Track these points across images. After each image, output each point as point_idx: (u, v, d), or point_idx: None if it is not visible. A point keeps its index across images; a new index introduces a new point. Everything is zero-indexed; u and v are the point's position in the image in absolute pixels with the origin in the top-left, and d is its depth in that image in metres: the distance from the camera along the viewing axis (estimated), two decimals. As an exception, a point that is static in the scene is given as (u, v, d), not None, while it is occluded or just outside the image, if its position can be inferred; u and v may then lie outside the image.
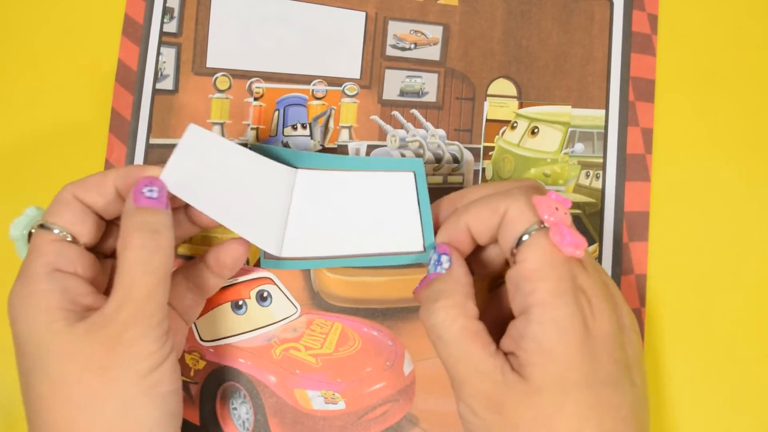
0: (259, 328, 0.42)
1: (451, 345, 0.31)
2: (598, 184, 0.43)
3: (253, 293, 0.42)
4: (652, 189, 0.43)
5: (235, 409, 0.41)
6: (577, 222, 0.43)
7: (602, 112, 0.44)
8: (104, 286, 0.36)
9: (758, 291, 0.42)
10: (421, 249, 0.37)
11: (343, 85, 0.44)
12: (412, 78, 0.45)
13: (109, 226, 0.36)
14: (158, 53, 0.45)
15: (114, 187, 0.34)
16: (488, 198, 0.33)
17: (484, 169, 0.44)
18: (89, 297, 0.33)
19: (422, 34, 0.45)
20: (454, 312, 0.31)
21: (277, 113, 0.44)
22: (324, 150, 0.44)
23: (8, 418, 0.42)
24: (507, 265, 0.34)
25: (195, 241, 0.43)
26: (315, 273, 0.43)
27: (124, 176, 0.34)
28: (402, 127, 0.44)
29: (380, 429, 0.40)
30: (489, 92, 0.44)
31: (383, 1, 0.45)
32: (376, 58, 0.45)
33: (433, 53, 0.45)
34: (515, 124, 0.44)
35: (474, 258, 0.36)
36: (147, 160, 0.44)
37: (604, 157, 0.43)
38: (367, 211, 0.38)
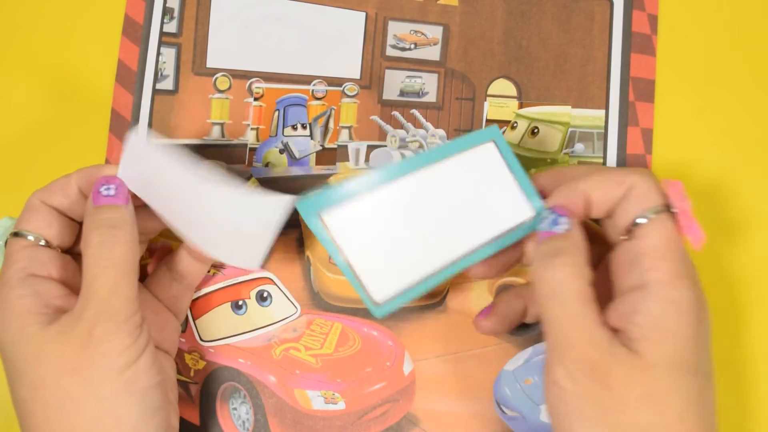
0: (259, 328, 0.42)
1: (566, 305, 0.29)
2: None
3: (253, 293, 0.42)
4: (652, 189, 0.43)
5: (235, 409, 0.41)
6: (577, 222, 0.43)
7: (602, 112, 0.44)
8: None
9: (758, 291, 0.42)
10: (531, 214, 0.34)
11: (343, 85, 0.44)
12: (412, 78, 0.45)
13: (81, 227, 0.36)
14: (158, 53, 0.45)
15: (77, 188, 0.35)
16: (612, 170, 0.32)
17: (484, 169, 0.44)
18: (63, 299, 0.33)
19: (422, 34, 0.45)
20: (574, 272, 0.30)
21: (277, 113, 0.44)
22: (324, 150, 0.44)
23: (7, 421, 0.42)
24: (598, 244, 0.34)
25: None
26: (315, 273, 0.43)
27: (85, 176, 0.35)
28: (402, 127, 0.44)
29: (380, 429, 0.40)
30: (489, 92, 0.44)
31: (383, 1, 0.45)
32: (376, 58, 0.45)
33: (433, 53, 0.45)
34: (515, 124, 0.44)
35: None
36: (147, 160, 0.44)
37: (604, 157, 0.43)
38: (462, 200, 0.34)
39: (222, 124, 0.44)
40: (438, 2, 0.45)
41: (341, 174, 0.44)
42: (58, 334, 0.31)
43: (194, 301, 0.41)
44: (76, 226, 0.36)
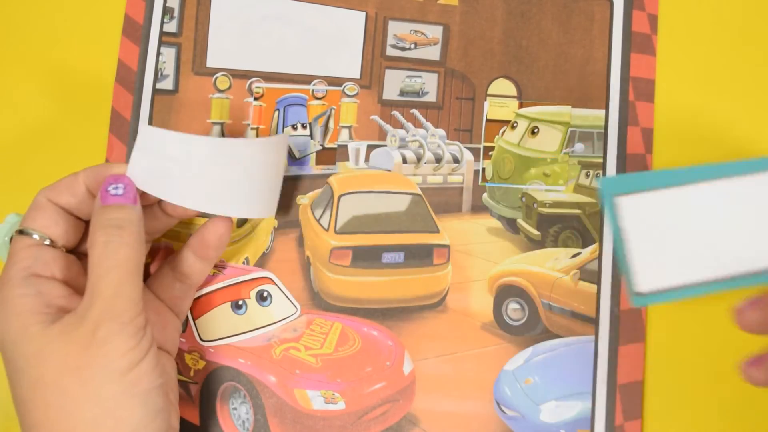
0: (259, 328, 0.42)
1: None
2: (598, 184, 0.43)
3: (253, 293, 0.42)
4: (652, 189, 0.43)
5: (235, 409, 0.41)
6: (577, 222, 0.43)
7: (602, 112, 0.44)
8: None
9: (758, 290, 0.42)
10: None
11: (343, 85, 0.44)
12: (412, 78, 0.45)
13: (87, 226, 0.36)
14: (158, 53, 0.45)
15: (85, 187, 0.35)
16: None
17: (484, 169, 0.44)
18: (65, 299, 0.33)
19: (422, 34, 0.45)
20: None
21: (277, 113, 0.44)
22: (324, 150, 0.44)
23: (8, 420, 0.42)
24: None
25: (183, 238, 0.43)
26: (315, 273, 0.43)
27: (93, 175, 0.34)
28: (402, 127, 0.44)
29: (380, 429, 0.40)
30: (489, 92, 0.44)
31: (383, 1, 0.45)
32: (376, 58, 0.45)
33: (433, 53, 0.45)
34: (515, 124, 0.44)
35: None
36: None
37: (604, 157, 0.43)
38: (757, 220, 0.32)
39: (222, 124, 0.44)
40: (438, 2, 0.45)
41: (341, 174, 0.44)
42: (60, 333, 0.30)
43: (194, 300, 0.41)
44: (83, 225, 0.36)
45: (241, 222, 0.43)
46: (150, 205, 0.36)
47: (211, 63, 0.45)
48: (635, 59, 0.44)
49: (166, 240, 0.42)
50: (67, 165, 0.44)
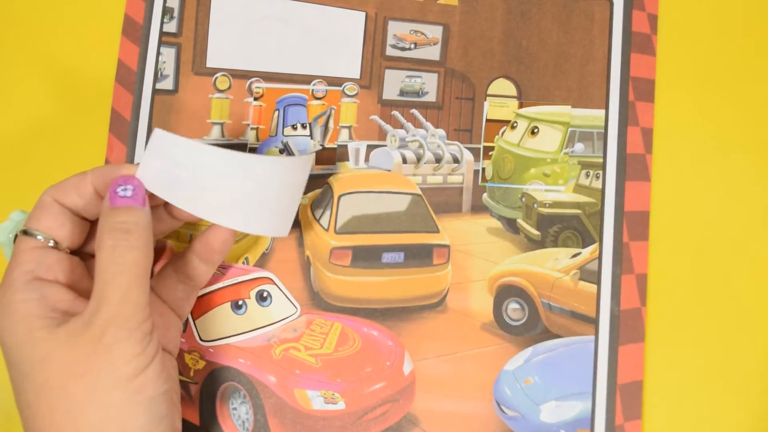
0: (259, 328, 0.42)
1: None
2: (598, 184, 0.43)
3: (253, 293, 0.42)
4: (652, 189, 0.43)
5: (234, 409, 0.41)
6: (577, 222, 0.43)
7: (602, 112, 0.44)
8: (90, 288, 0.35)
9: (759, 291, 0.42)
10: None
11: (343, 85, 0.44)
12: (412, 78, 0.45)
13: (93, 226, 0.35)
14: (158, 53, 0.45)
15: (93, 188, 0.34)
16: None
17: (484, 169, 0.44)
18: (70, 302, 0.32)
19: (422, 34, 0.45)
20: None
21: (277, 113, 0.44)
22: (324, 150, 0.44)
23: (8, 422, 0.42)
24: None
25: (183, 237, 0.43)
26: (315, 273, 0.43)
27: (102, 176, 0.34)
28: (402, 127, 0.44)
29: (380, 429, 0.40)
30: (489, 92, 0.44)
31: (383, 1, 0.45)
32: (376, 58, 0.45)
33: (433, 53, 0.45)
34: (515, 124, 0.44)
35: None
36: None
37: (604, 157, 0.43)
38: None
39: (222, 124, 0.44)
40: (438, 2, 0.45)
41: (341, 174, 0.44)
42: (67, 337, 0.30)
43: (194, 300, 0.41)
44: (88, 225, 0.35)
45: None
46: (156, 206, 0.36)
47: (211, 63, 0.45)
48: (635, 59, 0.44)
49: (167, 240, 0.42)
50: (68, 164, 0.44)
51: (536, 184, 0.43)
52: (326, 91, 0.45)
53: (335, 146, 0.44)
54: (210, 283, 0.42)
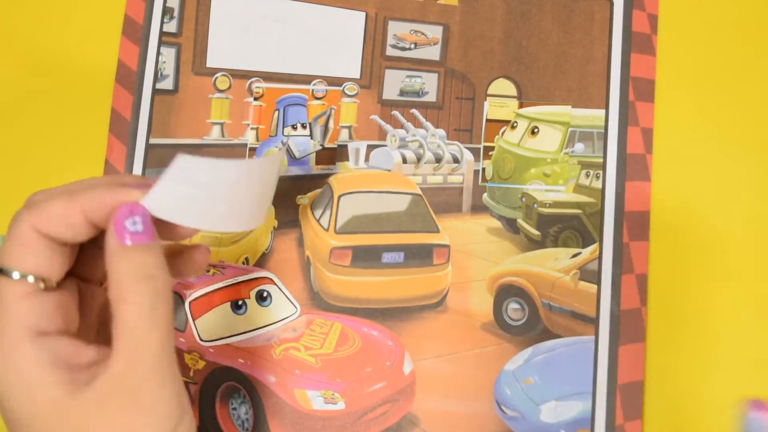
0: (259, 328, 0.42)
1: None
2: (598, 184, 0.43)
3: (253, 293, 0.42)
4: (652, 189, 0.43)
5: (234, 409, 0.41)
6: (577, 222, 0.43)
7: (602, 112, 0.44)
8: (86, 317, 0.31)
9: (758, 290, 0.42)
10: None
11: (343, 85, 0.44)
12: (412, 78, 0.45)
13: (81, 250, 0.31)
14: (158, 53, 0.45)
15: (83, 217, 0.28)
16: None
17: (484, 169, 0.44)
18: (80, 354, 0.28)
19: (422, 34, 0.45)
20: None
21: (277, 113, 0.44)
22: (324, 150, 0.44)
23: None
24: None
25: (194, 240, 0.43)
26: (315, 273, 0.43)
27: (97, 203, 0.28)
28: (402, 127, 0.44)
29: (380, 429, 0.40)
30: (489, 92, 0.44)
31: (383, 1, 0.45)
32: (376, 58, 0.45)
33: (433, 53, 0.45)
34: (515, 124, 0.44)
35: None
36: (147, 160, 0.44)
37: (604, 157, 0.43)
38: None
39: (222, 124, 0.44)
40: (438, 2, 0.45)
41: (341, 174, 0.44)
42: (98, 401, 0.27)
43: (194, 301, 0.41)
44: (76, 249, 0.30)
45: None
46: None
47: (211, 63, 0.45)
48: (635, 59, 0.44)
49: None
50: (67, 164, 0.44)
51: (536, 184, 0.43)
52: (326, 91, 0.45)
53: (335, 146, 0.44)
54: (210, 283, 0.42)
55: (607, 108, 0.44)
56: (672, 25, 0.44)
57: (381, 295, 0.42)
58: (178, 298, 0.41)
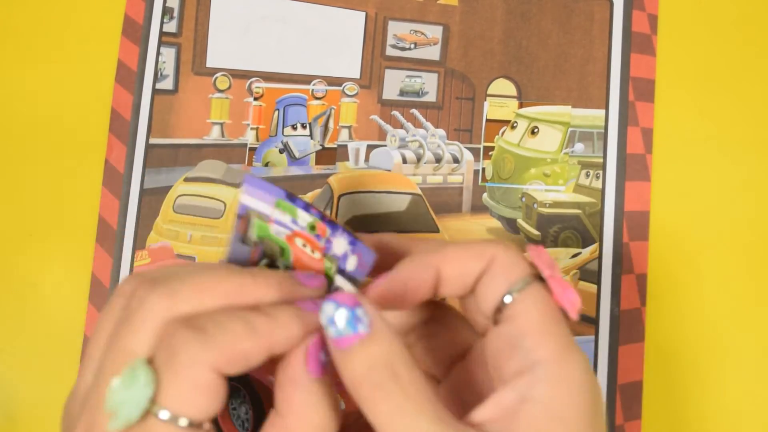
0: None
1: (419, 416, 0.22)
2: (598, 184, 0.43)
3: (253, 293, 0.42)
4: (652, 189, 0.43)
5: (234, 409, 0.41)
6: (577, 222, 0.43)
7: (602, 112, 0.44)
8: None
9: (758, 290, 0.42)
10: None
11: (343, 85, 0.44)
12: (412, 78, 0.45)
13: None
14: (158, 53, 0.45)
15: (267, 354, 0.25)
16: (469, 243, 0.27)
17: (484, 169, 0.44)
18: None
19: (422, 34, 0.45)
20: (413, 377, 0.23)
21: (277, 113, 0.44)
22: (324, 150, 0.44)
23: (9, 422, 0.42)
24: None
25: (194, 241, 0.43)
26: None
27: (287, 343, 0.24)
28: (402, 127, 0.44)
29: (380, 429, 0.40)
30: (489, 92, 0.44)
31: (383, 1, 0.45)
32: (376, 58, 0.45)
33: (433, 53, 0.45)
34: (515, 124, 0.44)
35: None
36: (147, 160, 0.44)
37: (604, 157, 0.43)
38: None
39: (222, 124, 0.44)
40: (438, 2, 0.45)
41: (341, 174, 0.44)
42: None
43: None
44: None
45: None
46: None
47: (210, 63, 0.45)
48: (635, 59, 0.44)
49: (163, 240, 0.42)
50: (67, 165, 0.44)
51: (536, 184, 0.43)
52: (326, 91, 0.45)
53: (335, 146, 0.44)
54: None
55: (607, 108, 0.44)
56: (672, 25, 0.44)
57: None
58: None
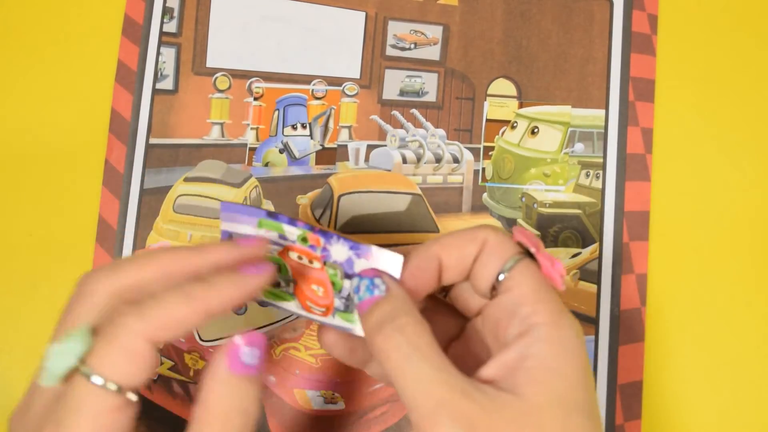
0: (259, 327, 0.42)
1: (420, 366, 0.25)
2: (598, 184, 0.43)
3: (253, 293, 0.42)
4: (652, 189, 0.43)
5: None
6: (577, 222, 0.43)
7: (602, 112, 0.44)
8: None
9: (758, 290, 0.42)
10: None
11: (343, 85, 0.45)
12: (412, 78, 0.45)
13: None
14: (158, 53, 0.45)
15: (204, 320, 0.26)
16: (460, 231, 0.30)
17: (484, 169, 0.44)
18: None
19: (422, 34, 0.45)
20: (415, 330, 0.26)
21: (277, 113, 0.44)
22: (324, 150, 0.44)
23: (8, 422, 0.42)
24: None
25: (194, 241, 0.43)
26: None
27: (224, 305, 0.26)
28: (402, 126, 0.44)
29: (380, 429, 0.40)
30: (489, 92, 0.44)
31: (383, 1, 0.45)
32: (376, 58, 0.45)
33: (433, 53, 0.45)
34: (515, 124, 0.44)
35: None
36: (147, 160, 0.44)
37: (604, 157, 0.43)
38: None
39: (222, 124, 0.44)
40: (438, 2, 0.45)
41: (341, 174, 0.44)
42: None
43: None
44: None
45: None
46: None
47: (210, 63, 0.45)
48: (635, 59, 0.44)
49: (163, 240, 0.42)
50: (67, 165, 0.44)
51: (536, 184, 0.43)
52: (326, 91, 0.45)
53: (335, 146, 0.44)
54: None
55: (607, 108, 0.44)
56: (672, 25, 0.44)
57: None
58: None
